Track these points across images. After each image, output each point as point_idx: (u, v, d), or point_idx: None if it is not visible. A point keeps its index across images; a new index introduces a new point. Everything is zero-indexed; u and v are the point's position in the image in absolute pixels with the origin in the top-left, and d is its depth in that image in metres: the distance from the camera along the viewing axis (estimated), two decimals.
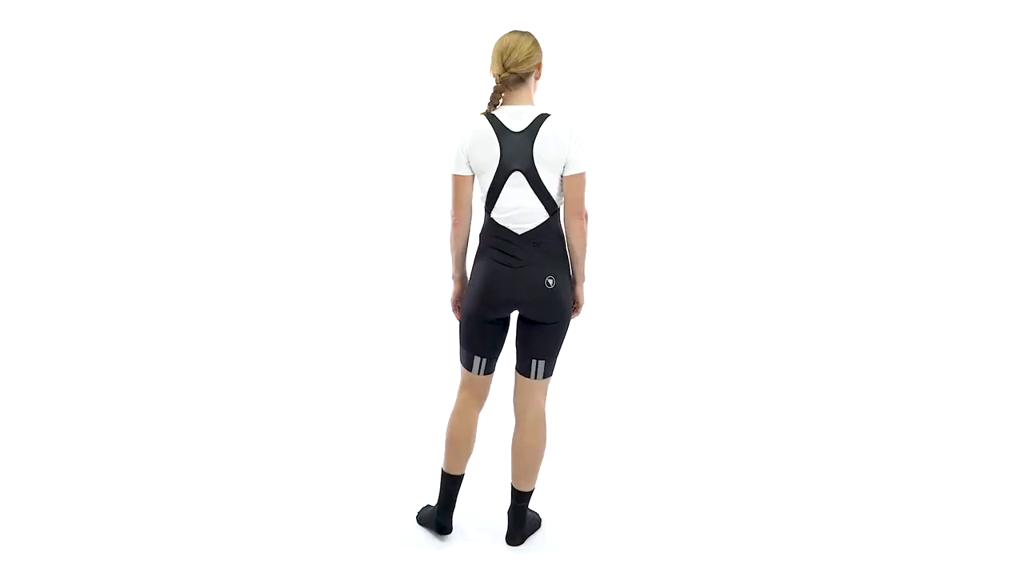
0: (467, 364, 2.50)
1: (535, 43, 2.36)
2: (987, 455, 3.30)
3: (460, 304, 2.56)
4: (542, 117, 2.32)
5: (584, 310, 2.57)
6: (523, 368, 2.47)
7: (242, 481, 3.03)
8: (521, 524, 2.60)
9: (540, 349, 2.44)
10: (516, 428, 2.53)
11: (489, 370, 2.52)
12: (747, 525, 2.74)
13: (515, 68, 2.31)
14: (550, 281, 2.37)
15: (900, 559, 2.52)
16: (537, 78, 2.40)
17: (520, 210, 2.35)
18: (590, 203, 2.45)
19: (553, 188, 2.35)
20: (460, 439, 2.55)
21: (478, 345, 2.46)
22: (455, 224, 2.46)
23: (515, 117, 2.33)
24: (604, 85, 4.90)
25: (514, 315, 2.53)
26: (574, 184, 2.35)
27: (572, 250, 2.43)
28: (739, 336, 4.65)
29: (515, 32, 2.37)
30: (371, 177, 5.02)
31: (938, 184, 4.89)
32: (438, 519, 2.63)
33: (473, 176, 2.40)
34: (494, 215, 2.39)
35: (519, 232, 2.37)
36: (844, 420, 3.73)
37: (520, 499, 2.58)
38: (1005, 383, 4.08)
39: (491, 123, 2.33)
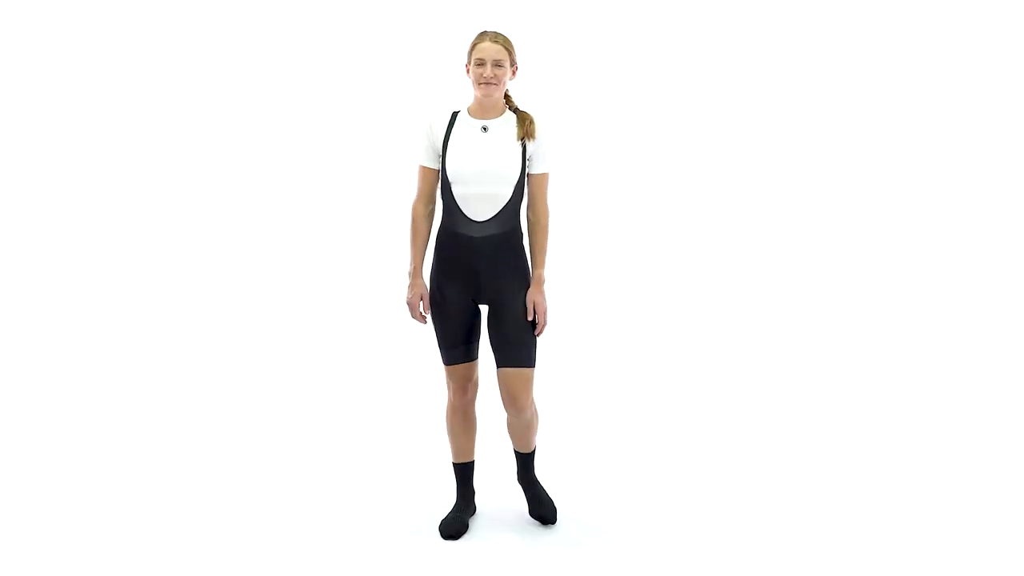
0: None
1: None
2: (987, 455, 3.28)
3: None
4: None
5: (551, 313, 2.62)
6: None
7: (248, 484, 3.03)
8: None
9: None
10: None
11: None
12: (756, 525, 2.73)
13: None
14: None
15: (899, 558, 2.50)
16: None
17: None
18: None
19: None
20: None
21: None
22: None
23: None
24: (588, 84, 4.91)
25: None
26: None
27: None
28: (734, 335, 4.67)
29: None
30: (371, 177, 5.00)
31: (934, 183, 4.89)
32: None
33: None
34: None
35: None
36: (841, 417, 3.72)
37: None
38: (1005, 383, 4.06)
39: None
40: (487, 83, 2.44)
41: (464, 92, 2.57)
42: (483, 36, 2.47)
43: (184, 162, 5.00)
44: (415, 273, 2.56)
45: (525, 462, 2.73)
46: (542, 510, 2.71)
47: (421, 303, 2.57)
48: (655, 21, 4.92)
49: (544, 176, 2.54)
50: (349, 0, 4.88)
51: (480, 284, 2.50)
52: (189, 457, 3.27)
